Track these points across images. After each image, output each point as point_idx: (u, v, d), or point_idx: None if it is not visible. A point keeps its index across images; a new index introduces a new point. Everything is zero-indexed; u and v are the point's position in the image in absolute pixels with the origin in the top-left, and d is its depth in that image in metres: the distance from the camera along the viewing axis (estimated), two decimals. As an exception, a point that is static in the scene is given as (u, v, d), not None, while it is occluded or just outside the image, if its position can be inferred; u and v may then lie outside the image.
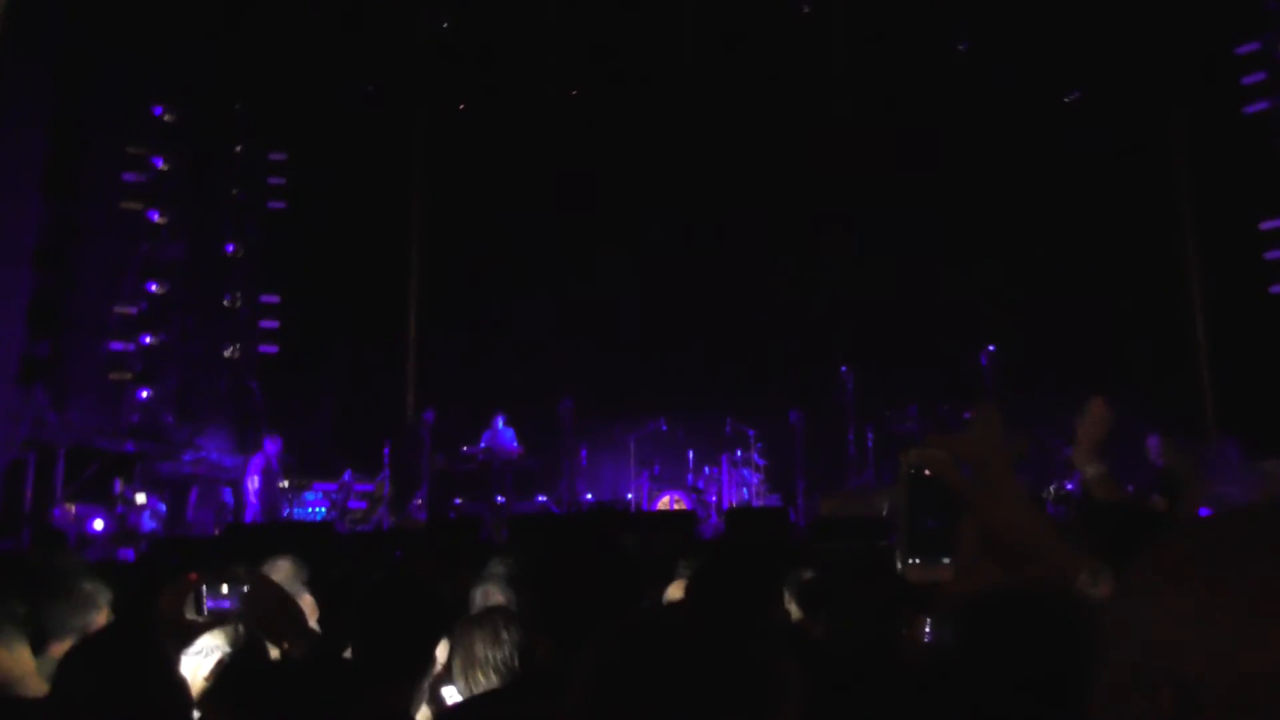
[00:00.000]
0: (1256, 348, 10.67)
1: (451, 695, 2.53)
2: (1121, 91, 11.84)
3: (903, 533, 1.02)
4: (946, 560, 1.00)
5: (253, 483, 10.97)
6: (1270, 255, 10.23)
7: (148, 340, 11.42)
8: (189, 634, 2.26)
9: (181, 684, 1.95)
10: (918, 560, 1.01)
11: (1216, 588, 0.79)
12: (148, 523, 10.02)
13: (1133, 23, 11.33)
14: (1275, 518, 0.84)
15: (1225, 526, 0.86)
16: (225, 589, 2.38)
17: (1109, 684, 0.84)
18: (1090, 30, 11.46)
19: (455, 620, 2.64)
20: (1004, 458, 1.03)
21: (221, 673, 2.04)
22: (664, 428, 11.83)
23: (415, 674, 2.23)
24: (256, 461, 11.08)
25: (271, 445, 11.17)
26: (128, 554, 9.27)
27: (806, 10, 12.37)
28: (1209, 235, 11.74)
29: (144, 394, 11.31)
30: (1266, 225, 10.25)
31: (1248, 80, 10.32)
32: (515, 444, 11.74)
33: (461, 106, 13.79)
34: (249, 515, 10.84)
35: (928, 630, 2.42)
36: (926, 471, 1.03)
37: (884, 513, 9.44)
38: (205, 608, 2.36)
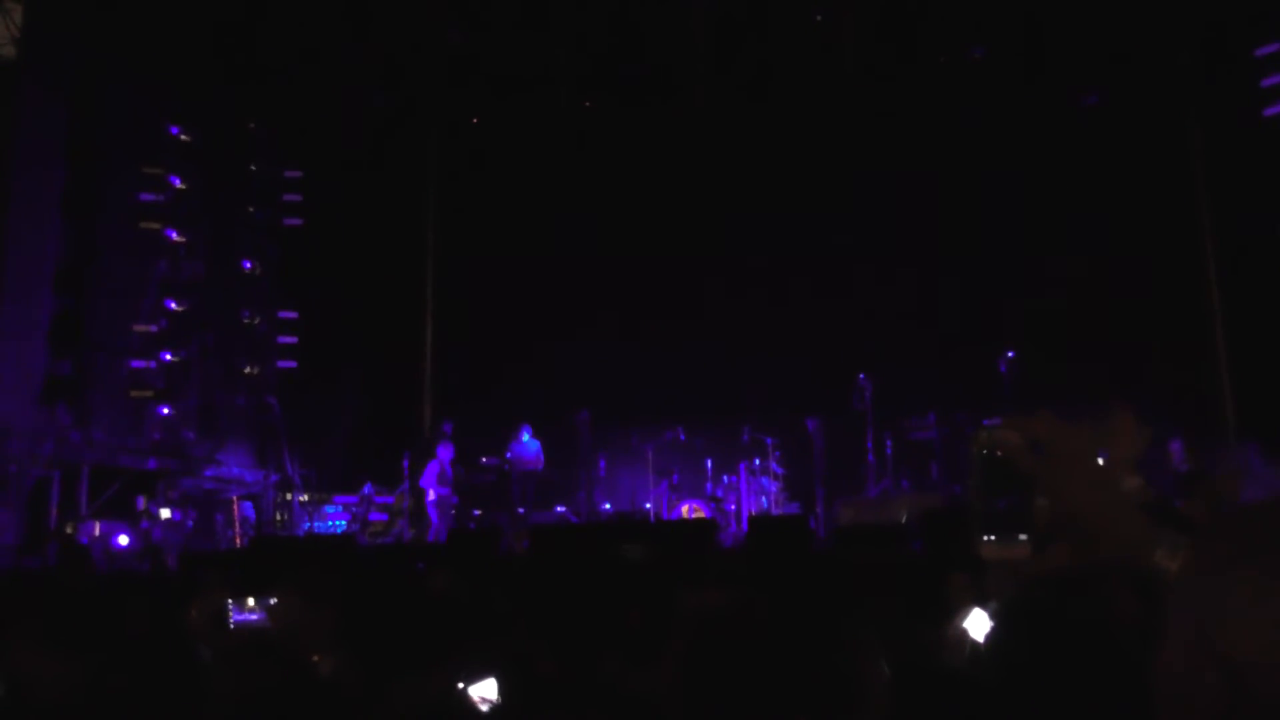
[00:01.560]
0: (1277, 352, 10.58)
1: (486, 690, 2.53)
2: (1140, 94, 11.80)
3: (976, 512, 1.04)
4: (1023, 538, 1.02)
5: (430, 493, 11.11)
6: (1291, 257, 10.16)
7: (168, 358, 11.49)
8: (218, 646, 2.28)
9: (216, 692, 1.96)
10: (992, 538, 1.04)
11: (1269, 576, 0.80)
12: (171, 539, 10.07)
13: (1151, 25, 11.30)
14: None
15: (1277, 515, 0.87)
16: (252, 603, 2.40)
17: (1167, 662, 0.86)
18: (1108, 33, 11.44)
19: (475, 627, 2.65)
20: (1077, 438, 1.04)
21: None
22: (682, 437, 11.81)
23: (436, 679, 2.24)
24: (431, 471, 11.22)
25: (445, 452, 11.31)
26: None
27: (819, 18, 12.40)
28: (1228, 238, 11.66)
29: (165, 411, 11.38)
30: (1286, 227, 10.19)
31: (1267, 82, 10.25)
32: (540, 456, 11.77)
33: (475, 120, 13.87)
34: (433, 532, 10.94)
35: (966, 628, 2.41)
36: (998, 452, 1.05)
37: (903, 519, 9.40)
38: (232, 622, 2.38)
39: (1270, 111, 10.36)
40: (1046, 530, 1.02)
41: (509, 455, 11.71)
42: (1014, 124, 12.06)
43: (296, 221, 13.20)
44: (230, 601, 2.40)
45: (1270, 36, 10.35)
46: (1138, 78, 11.75)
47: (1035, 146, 11.96)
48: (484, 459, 11.78)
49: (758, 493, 11.30)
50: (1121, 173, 11.75)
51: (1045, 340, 11.05)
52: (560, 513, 11.86)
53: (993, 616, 2.07)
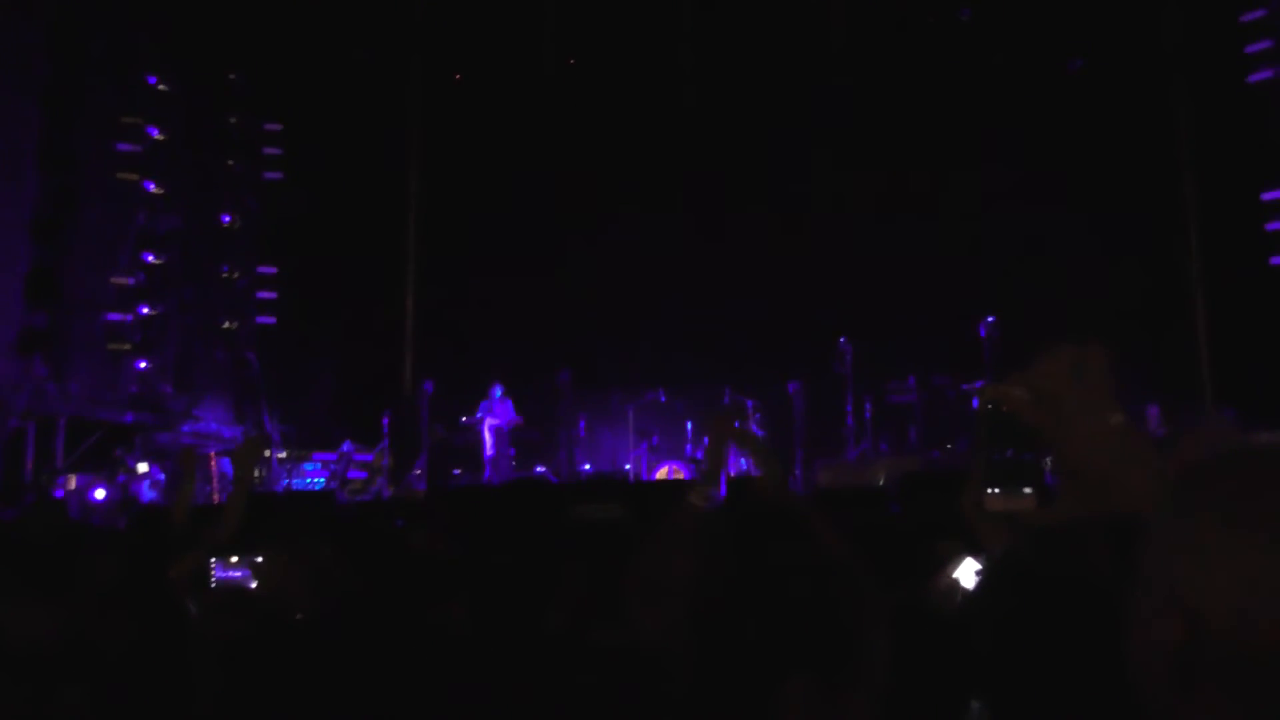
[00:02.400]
0: (1255, 319, 10.67)
1: None
2: (1125, 60, 11.77)
3: (982, 464, 1.05)
4: (1028, 490, 1.03)
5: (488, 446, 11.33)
6: (1271, 226, 10.20)
7: (145, 311, 11.39)
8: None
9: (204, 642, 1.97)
10: (997, 490, 1.05)
11: (1230, 527, 0.81)
12: (148, 492, 10.04)
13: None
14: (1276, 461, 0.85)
15: (1250, 468, 0.87)
16: (235, 560, 2.40)
17: (1140, 612, 0.87)
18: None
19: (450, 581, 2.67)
20: (1082, 390, 1.05)
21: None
22: (663, 398, 11.86)
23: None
24: (489, 424, 11.50)
25: (501, 407, 11.49)
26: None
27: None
28: (1210, 205, 11.70)
29: (142, 365, 11.30)
30: (1268, 196, 10.22)
31: (1252, 49, 10.23)
32: (513, 414, 11.76)
33: (458, 76, 13.70)
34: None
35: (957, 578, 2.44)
36: (1004, 407, 1.05)
37: (881, 482, 9.49)
38: (215, 579, 2.38)
39: (1255, 78, 10.35)
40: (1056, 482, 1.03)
41: (480, 415, 11.72)
42: (998, 88, 12.03)
43: (276, 175, 13.04)
44: (213, 559, 2.40)
45: (1257, 2, 10.32)
46: (1124, 43, 11.71)
47: (1019, 111, 11.93)
48: (464, 419, 11.77)
49: (737, 455, 11.35)
50: (1106, 138, 11.75)
51: (1024, 305, 11.10)
52: (540, 472, 11.89)
53: (980, 572, 2.08)
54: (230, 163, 12.83)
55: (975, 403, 10.49)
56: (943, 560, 2.68)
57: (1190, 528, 0.84)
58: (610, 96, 13.19)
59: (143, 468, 10.03)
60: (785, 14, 12.50)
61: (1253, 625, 0.77)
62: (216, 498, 10.92)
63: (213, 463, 11.39)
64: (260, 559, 2.35)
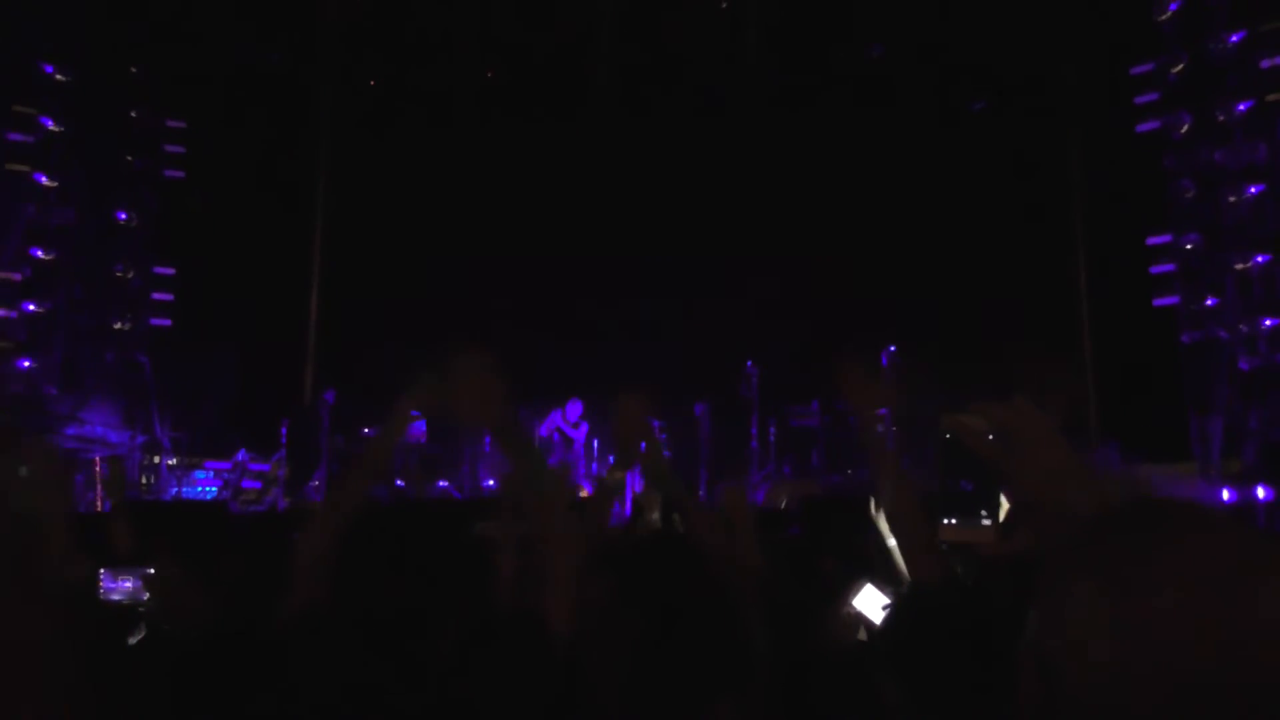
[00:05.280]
0: (1139, 358, 11.14)
1: None
2: (1020, 108, 12.23)
3: (938, 494, 1.06)
4: (986, 522, 1.03)
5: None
6: (1156, 269, 10.68)
7: (31, 308, 10.92)
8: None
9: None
10: (953, 521, 1.04)
11: (1100, 588, 0.83)
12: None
13: (1033, 41, 11.74)
14: (1145, 522, 0.88)
15: (1134, 528, 0.90)
16: (127, 571, 2.30)
17: (1020, 655, 0.89)
18: (991, 46, 11.84)
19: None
20: (1037, 423, 1.06)
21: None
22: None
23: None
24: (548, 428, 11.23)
25: (574, 410, 11.29)
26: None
27: (724, 4, 12.50)
28: (1099, 247, 12.21)
29: (26, 364, 10.82)
30: (1153, 241, 10.69)
31: (1141, 100, 10.73)
32: (423, 428, 11.60)
33: (371, 82, 13.52)
34: None
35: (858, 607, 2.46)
36: (962, 437, 1.06)
37: (783, 505, 9.61)
38: (103, 590, 2.28)
39: (1143, 128, 10.83)
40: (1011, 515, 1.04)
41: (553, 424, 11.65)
42: (900, 124, 12.37)
43: (178, 174, 12.62)
44: (103, 570, 2.29)
45: (1145, 57, 10.82)
46: (1019, 91, 12.18)
47: (920, 146, 12.28)
48: (366, 430, 11.54)
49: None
50: (1001, 179, 12.16)
51: (923, 337, 11.39)
52: (443, 488, 11.73)
53: (904, 597, 2.11)
54: (130, 158, 12.37)
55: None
56: (839, 583, 2.71)
57: (1062, 583, 0.86)
58: (525, 107, 13.17)
59: (23, 471, 9.56)
60: (700, 44, 12.67)
61: (1102, 681, 0.79)
62: (100, 505, 10.49)
63: (98, 468, 10.94)
64: (152, 570, 2.26)
